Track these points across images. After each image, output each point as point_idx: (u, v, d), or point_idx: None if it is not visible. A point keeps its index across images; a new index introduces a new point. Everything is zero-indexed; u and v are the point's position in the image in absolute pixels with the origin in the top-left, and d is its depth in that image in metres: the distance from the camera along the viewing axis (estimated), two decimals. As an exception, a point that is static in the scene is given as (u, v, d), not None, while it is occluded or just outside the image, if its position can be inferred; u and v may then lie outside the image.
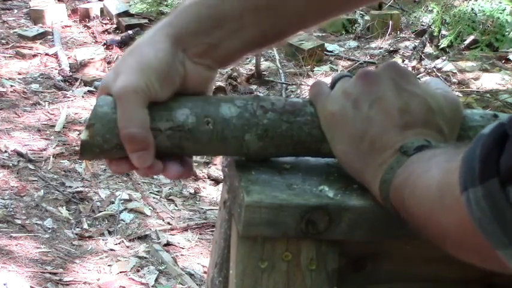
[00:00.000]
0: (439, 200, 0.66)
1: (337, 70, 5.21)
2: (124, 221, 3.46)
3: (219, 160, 3.78)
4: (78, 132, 4.20)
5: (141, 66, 0.81)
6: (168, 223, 3.47)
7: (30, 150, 3.99)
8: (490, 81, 5.17)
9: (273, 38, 0.88)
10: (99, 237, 3.32)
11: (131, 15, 6.00)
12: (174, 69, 0.82)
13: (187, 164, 0.86)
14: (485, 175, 0.57)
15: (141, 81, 0.80)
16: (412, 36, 5.89)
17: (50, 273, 3.03)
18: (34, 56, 5.33)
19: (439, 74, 5.07)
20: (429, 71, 5.12)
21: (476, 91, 4.95)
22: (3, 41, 5.56)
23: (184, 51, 0.83)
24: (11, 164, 3.83)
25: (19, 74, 5.02)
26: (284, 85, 4.97)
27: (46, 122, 4.35)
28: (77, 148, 3.95)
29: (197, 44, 0.83)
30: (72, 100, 4.69)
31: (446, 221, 0.65)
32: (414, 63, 5.22)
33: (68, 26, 5.96)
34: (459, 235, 0.64)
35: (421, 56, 5.32)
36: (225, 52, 0.85)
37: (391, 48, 5.73)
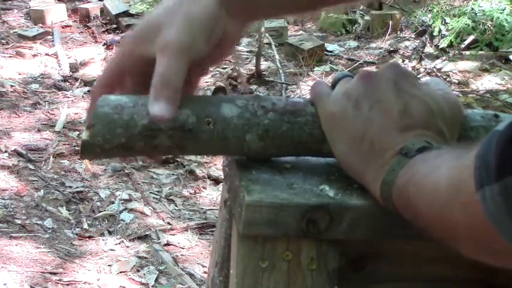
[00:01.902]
0: (450, 197, 0.65)
1: (337, 70, 5.21)
2: (124, 221, 3.46)
3: (219, 160, 3.78)
4: (78, 132, 4.20)
5: (189, 22, 0.81)
6: (168, 223, 3.47)
7: (30, 150, 3.99)
8: (490, 81, 5.17)
9: (306, 9, 0.92)
10: (99, 237, 3.32)
11: (131, 15, 6.00)
12: (217, 25, 0.83)
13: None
14: (501, 172, 0.57)
15: (188, 37, 0.80)
16: (412, 36, 5.89)
17: (50, 273, 3.02)
18: (34, 56, 5.33)
19: (439, 74, 5.07)
20: (429, 71, 5.12)
21: (476, 91, 4.95)
22: (3, 41, 5.56)
23: (226, 8, 0.84)
24: (11, 164, 3.83)
25: (19, 74, 5.02)
26: (284, 85, 4.97)
27: (46, 122, 4.35)
28: (77, 148, 3.95)
29: (238, 2, 0.85)
30: (72, 100, 4.69)
31: (458, 218, 0.65)
32: (414, 63, 5.22)
33: (68, 26, 5.96)
34: (472, 231, 0.64)
35: (421, 56, 5.31)
36: (263, 10, 0.88)
37: (391, 48, 5.73)
